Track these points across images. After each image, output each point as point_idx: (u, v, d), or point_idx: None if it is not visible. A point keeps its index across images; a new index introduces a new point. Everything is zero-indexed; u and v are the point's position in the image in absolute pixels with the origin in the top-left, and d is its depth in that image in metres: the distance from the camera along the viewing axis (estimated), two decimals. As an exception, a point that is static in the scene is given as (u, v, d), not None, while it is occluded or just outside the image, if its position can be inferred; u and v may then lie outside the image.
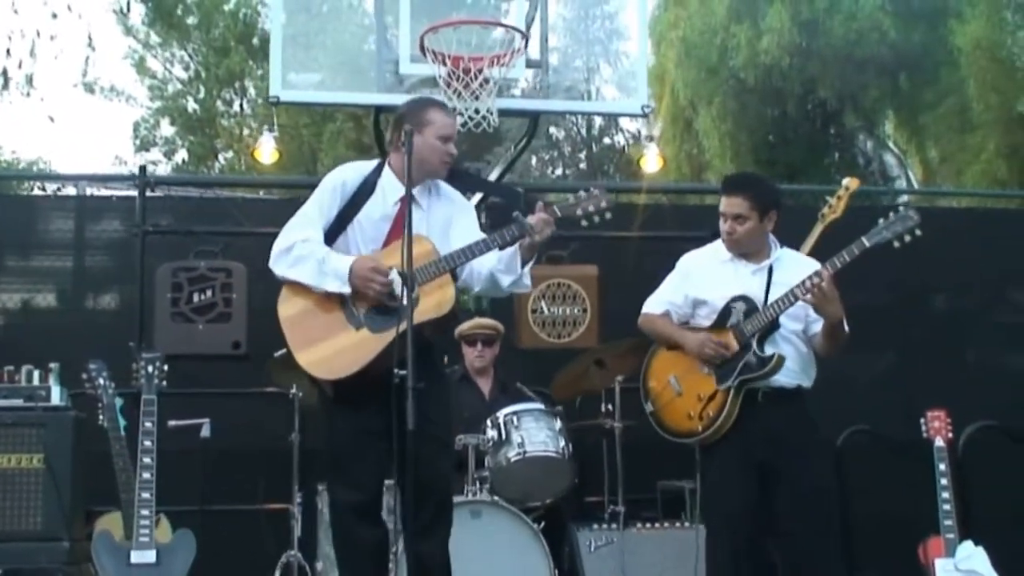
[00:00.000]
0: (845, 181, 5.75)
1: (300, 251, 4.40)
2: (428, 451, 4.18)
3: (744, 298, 4.91)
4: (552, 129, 23.80)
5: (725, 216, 4.97)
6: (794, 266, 5.00)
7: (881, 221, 4.82)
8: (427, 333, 4.32)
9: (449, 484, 4.63)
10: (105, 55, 34.96)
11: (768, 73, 19.00)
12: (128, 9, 21.62)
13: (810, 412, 5.01)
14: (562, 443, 6.02)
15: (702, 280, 5.12)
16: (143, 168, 7.69)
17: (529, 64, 7.07)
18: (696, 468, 6.39)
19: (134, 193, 7.46)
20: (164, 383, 5.59)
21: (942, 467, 5.83)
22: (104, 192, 10.21)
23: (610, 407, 6.47)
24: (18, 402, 5.69)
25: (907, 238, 4.80)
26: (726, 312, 4.96)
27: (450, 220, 4.60)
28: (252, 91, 23.27)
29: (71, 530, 5.54)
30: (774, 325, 4.85)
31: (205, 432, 6.56)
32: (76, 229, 7.97)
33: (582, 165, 24.67)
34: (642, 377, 5.28)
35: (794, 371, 4.92)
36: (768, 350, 4.83)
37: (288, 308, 4.46)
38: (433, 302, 4.33)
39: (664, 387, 5.12)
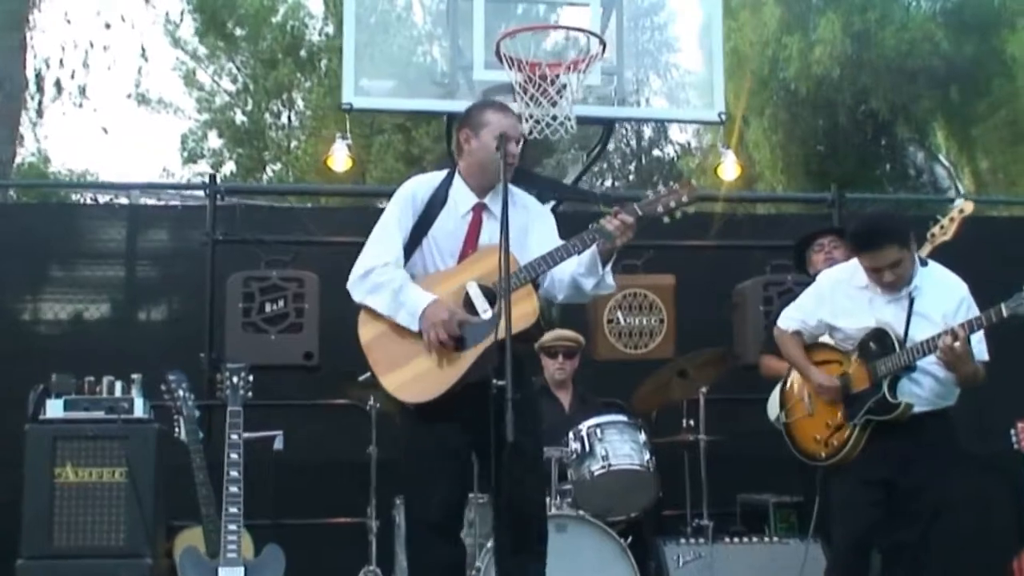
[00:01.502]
0: (958, 203, 5.46)
1: (378, 278, 4.31)
2: (522, 465, 4.07)
3: (882, 333, 4.75)
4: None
5: (879, 269, 4.72)
6: (937, 292, 4.82)
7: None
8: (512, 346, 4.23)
9: (544, 500, 4.51)
10: (153, 67, 35.18)
11: (819, 84, 18.89)
12: (181, 20, 21.69)
13: (951, 428, 4.89)
14: (647, 456, 5.90)
15: (838, 306, 4.96)
16: (212, 176, 7.63)
17: (605, 71, 6.94)
18: (791, 481, 6.37)
19: (189, 202, 7.37)
20: (250, 395, 5.47)
21: (1029, 479, 5.68)
22: (155, 202, 10.17)
23: (692, 422, 6.34)
24: (100, 414, 5.57)
25: None
26: (864, 345, 4.82)
27: (526, 227, 4.45)
28: (300, 103, 23.27)
29: (154, 546, 5.43)
30: (910, 368, 4.71)
31: (278, 445, 6.46)
32: (140, 239, 7.92)
33: (631, 176, 24.52)
34: (781, 386, 5.27)
35: (928, 399, 4.77)
36: (899, 395, 4.72)
37: (368, 332, 4.36)
38: (518, 313, 4.15)
39: (798, 402, 5.09)
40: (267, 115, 23.67)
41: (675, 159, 24.16)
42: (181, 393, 5.55)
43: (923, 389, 4.74)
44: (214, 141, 24.28)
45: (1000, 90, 18.72)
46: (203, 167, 23.63)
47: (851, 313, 4.90)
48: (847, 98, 19.33)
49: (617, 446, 5.86)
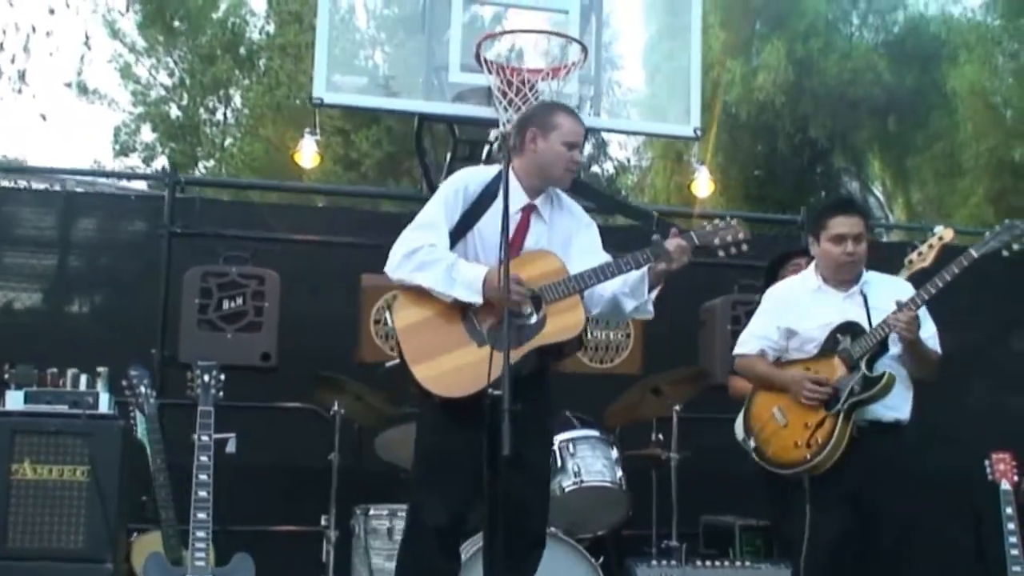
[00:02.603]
0: (938, 229, 5.34)
1: (426, 256, 4.10)
2: (525, 480, 3.99)
3: (850, 323, 4.75)
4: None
5: (845, 237, 4.78)
6: (886, 288, 4.87)
7: (987, 233, 4.77)
8: (545, 356, 4.12)
9: (545, 516, 4.35)
10: (93, 57, 34.51)
11: (761, 109, 18.98)
12: (127, 10, 21.27)
13: (912, 445, 4.88)
14: (619, 473, 5.79)
15: (794, 310, 4.95)
16: (174, 167, 7.40)
17: (581, 80, 6.84)
18: (750, 502, 6.30)
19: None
20: (221, 394, 5.23)
21: (1009, 511, 5.63)
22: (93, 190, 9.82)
23: (661, 436, 6.23)
24: (63, 408, 5.25)
25: (1015, 247, 4.71)
26: (831, 339, 4.79)
27: (571, 236, 4.33)
28: (237, 100, 22.98)
29: (115, 551, 5.12)
30: (883, 347, 4.69)
31: (230, 448, 6.20)
32: (96, 227, 7.63)
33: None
34: (744, 412, 5.08)
35: (895, 402, 4.75)
36: (877, 371, 4.67)
37: (405, 317, 4.14)
38: (562, 323, 4.07)
39: (768, 420, 4.92)
40: (202, 111, 23.32)
41: (614, 176, 24.18)
42: (143, 390, 5.28)
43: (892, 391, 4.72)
44: (147, 135, 23.89)
45: (938, 122, 18.94)
46: (135, 160, 23.27)
47: (809, 314, 4.88)
48: (787, 124, 19.47)
49: (590, 462, 5.75)
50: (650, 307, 4.31)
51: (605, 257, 4.25)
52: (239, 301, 6.55)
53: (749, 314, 6.77)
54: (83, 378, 5.40)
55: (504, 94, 6.40)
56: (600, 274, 4.13)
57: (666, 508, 6.22)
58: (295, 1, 21.87)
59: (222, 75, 22.35)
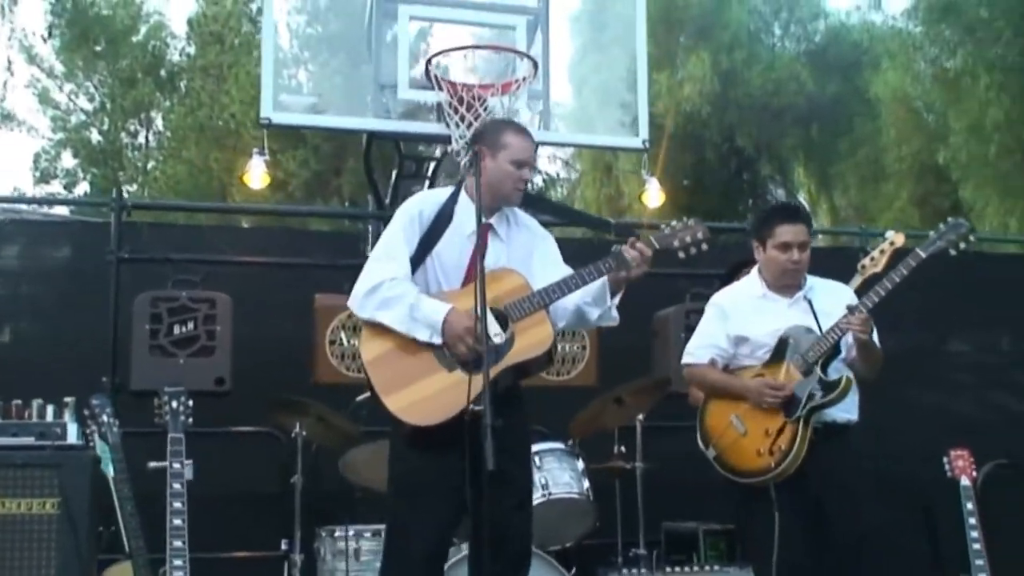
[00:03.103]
0: (889, 235, 5.32)
1: (388, 292, 4.07)
2: (509, 496, 3.98)
3: (798, 328, 4.79)
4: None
5: (790, 245, 4.82)
6: (829, 293, 4.93)
7: (932, 233, 4.82)
8: (517, 374, 4.12)
9: (530, 532, 4.32)
10: (10, 84, 33.90)
11: (688, 120, 19.20)
12: (50, 35, 20.93)
13: (857, 447, 4.91)
14: (585, 484, 5.80)
15: (742, 317, 4.97)
16: (120, 191, 7.26)
17: (531, 95, 6.85)
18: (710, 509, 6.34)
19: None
20: (190, 420, 5.14)
21: (969, 506, 5.69)
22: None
23: (623, 448, 6.24)
24: (29, 440, 5.13)
25: (962, 245, 4.76)
26: (781, 345, 4.81)
27: (530, 251, 4.33)
28: (159, 123, 22.73)
29: None
30: (836, 350, 4.74)
31: (188, 474, 6.12)
32: (31, 255, 7.48)
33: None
34: (699, 421, 5.05)
35: (848, 404, 4.79)
36: (833, 375, 4.71)
37: (372, 349, 4.11)
38: (530, 340, 4.06)
39: (726, 428, 4.90)
40: (124, 135, 23.03)
41: (543, 189, 24.26)
42: (105, 419, 5.15)
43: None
44: (68, 160, 23.55)
45: (861, 129, 19.29)
46: (56, 187, 22.90)
47: (757, 320, 4.91)
48: (714, 134, 19.71)
49: (557, 474, 5.75)
50: (614, 313, 4.31)
51: (566, 269, 4.25)
52: (190, 326, 6.44)
53: (703, 322, 6.90)
54: (49, 408, 5.28)
55: (455, 110, 6.40)
56: (564, 287, 4.12)
57: (627, 517, 6.23)
58: (216, 22, 21.74)
59: (143, 98, 22.17)
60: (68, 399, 5.37)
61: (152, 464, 5.76)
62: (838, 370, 4.77)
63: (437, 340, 4.01)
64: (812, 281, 5.00)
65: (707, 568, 5.97)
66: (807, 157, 21.03)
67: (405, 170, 7.43)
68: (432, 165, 7.69)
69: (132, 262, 6.87)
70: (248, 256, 7.07)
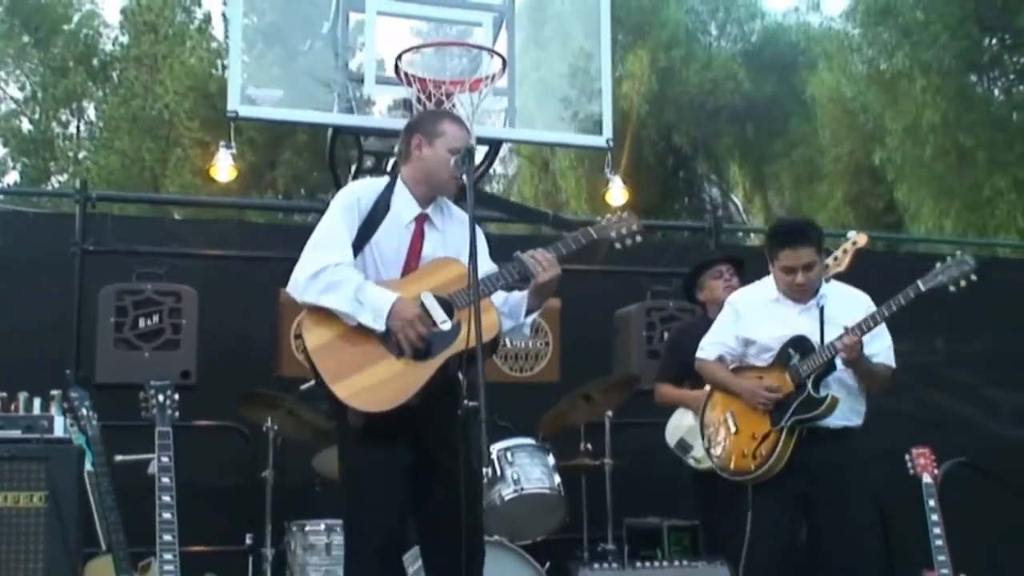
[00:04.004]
0: (851, 235, 5.41)
1: (333, 276, 4.03)
2: (453, 489, 3.93)
3: (801, 339, 4.86)
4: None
5: (793, 268, 4.86)
6: (844, 301, 4.97)
7: (938, 265, 4.81)
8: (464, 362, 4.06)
9: (482, 524, 4.41)
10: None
11: (625, 118, 19.30)
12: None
13: (860, 450, 4.97)
14: (556, 479, 5.86)
15: (752, 320, 5.06)
16: (84, 183, 7.18)
17: (496, 92, 6.89)
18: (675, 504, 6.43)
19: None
20: (176, 414, 5.12)
21: (932, 503, 5.77)
22: None
23: (590, 446, 6.32)
24: (16, 433, 5.04)
25: (963, 283, 4.76)
26: (783, 352, 4.90)
27: (462, 244, 4.20)
28: (91, 113, 22.41)
29: None
30: (831, 366, 4.81)
31: (152, 468, 6.08)
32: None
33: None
34: (701, 412, 5.21)
35: (842, 411, 4.86)
36: (823, 391, 4.79)
37: (316, 337, 4.06)
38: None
39: (722, 422, 5.05)
40: (55, 124, 22.69)
41: (476, 184, 24.28)
42: (84, 412, 5.11)
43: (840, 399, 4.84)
44: (-4, 150, 23.18)
45: (797, 129, 19.53)
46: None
47: (766, 325, 4.99)
48: (651, 132, 19.83)
49: (528, 470, 5.79)
50: (526, 330, 4.34)
51: (492, 266, 4.23)
52: (156, 319, 6.40)
53: (663, 320, 7.04)
54: (36, 401, 5.25)
55: (424, 106, 6.41)
56: (501, 278, 4.12)
57: (591, 512, 6.34)
58: (150, 12, 21.50)
59: (75, 87, 21.83)
60: (55, 392, 5.34)
61: (119, 457, 5.78)
62: (835, 380, 4.84)
63: (380, 326, 3.99)
64: (830, 287, 5.04)
65: (676, 564, 6.01)
66: (742, 156, 21.26)
67: (364, 164, 7.43)
68: (392, 160, 7.70)
69: (96, 254, 6.79)
70: (213, 249, 7.02)
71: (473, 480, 4.34)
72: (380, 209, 4.24)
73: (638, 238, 4.40)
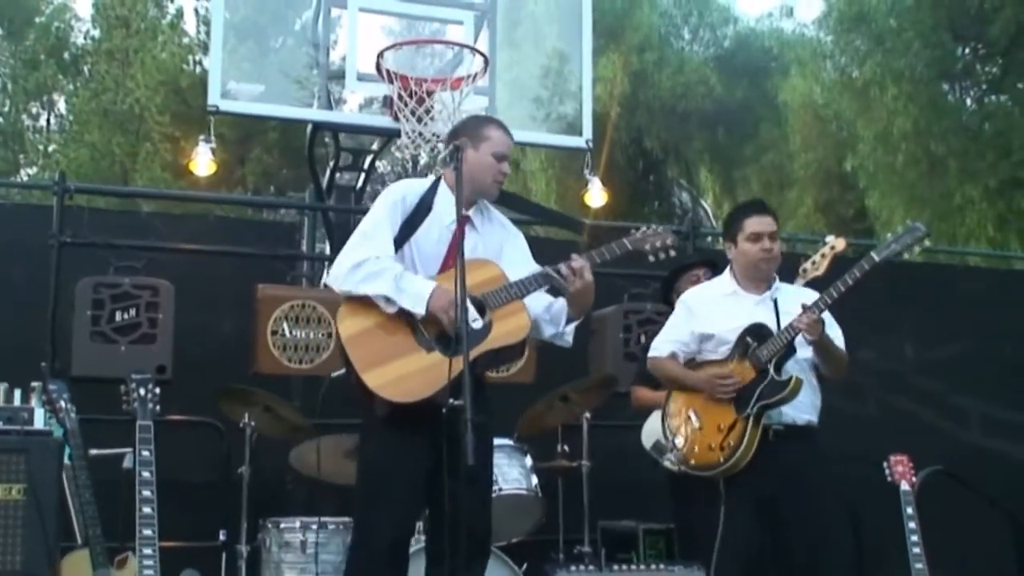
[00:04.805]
0: (829, 239, 5.44)
1: (373, 267, 4.14)
2: (472, 490, 3.96)
3: (758, 326, 4.90)
4: (379, 163, 23.59)
5: (760, 235, 4.93)
6: (796, 296, 5.02)
7: (889, 235, 4.94)
8: (491, 362, 4.19)
9: (489, 526, 4.39)
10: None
11: (597, 121, 19.31)
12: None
13: (825, 450, 5.02)
14: (534, 480, 5.87)
15: (707, 314, 5.08)
16: (63, 175, 7.13)
17: (477, 92, 6.90)
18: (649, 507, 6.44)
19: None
20: (158, 408, 5.10)
21: (910, 511, 5.80)
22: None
23: (567, 448, 6.32)
24: None
25: (916, 249, 4.87)
26: (741, 341, 4.93)
27: (501, 246, 4.44)
28: (62, 106, 22.28)
29: (55, 571, 4.87)
30: (790, 350, 4.84)
31: (127, 463, 6.04)
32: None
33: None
34: (662, 413, 5.18)
35: (805, 404, 4.91)
36: (784, 375, 4.82)
37: (350, 326, 4.17)
38: (507, 328, 4.16)
39: (684, 420, 5.04)
40: (26, 117, 22.54)
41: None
42: (63, 404, 5.09)
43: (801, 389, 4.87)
44: (-34, 142, 22.97)
45: (767, 134, 19.61)
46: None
47: (722, 317, 5.02)
48: (622, 135, 19.86)
49: (506, 470, 5.79)
50: (568, 338, 4.46)
51: (535, 267, 4.34)
52: (132, 312, 6.36)
53: (640, 323, 7.04)
54: (16, 392, 5.20)
55: (406, 104, 6.42)
56: (536, 282, 4.23)
57: (566, 515, 6.33)
58: (122, 6, 21.39)
59: (46, 80, 21.69)
60: (35, 384, 5.29)
61: (93, 451, 5.74)
62: (792, 370, 4.87)
63: (420, 311, 4.09)
64: (782, 285, 5.10)
65: (653, 567, 6.02)
66: (713, 160, 21.34)
67: (342, 161, 7.44)
68: (369, 158, 7.70)
69: (72, 246, 6.74)
70: (191, 244, 6.98)
71: (489, 481, 4.47)
72: (423, 209, 4.36)
73: (672, 252, 4.52)
